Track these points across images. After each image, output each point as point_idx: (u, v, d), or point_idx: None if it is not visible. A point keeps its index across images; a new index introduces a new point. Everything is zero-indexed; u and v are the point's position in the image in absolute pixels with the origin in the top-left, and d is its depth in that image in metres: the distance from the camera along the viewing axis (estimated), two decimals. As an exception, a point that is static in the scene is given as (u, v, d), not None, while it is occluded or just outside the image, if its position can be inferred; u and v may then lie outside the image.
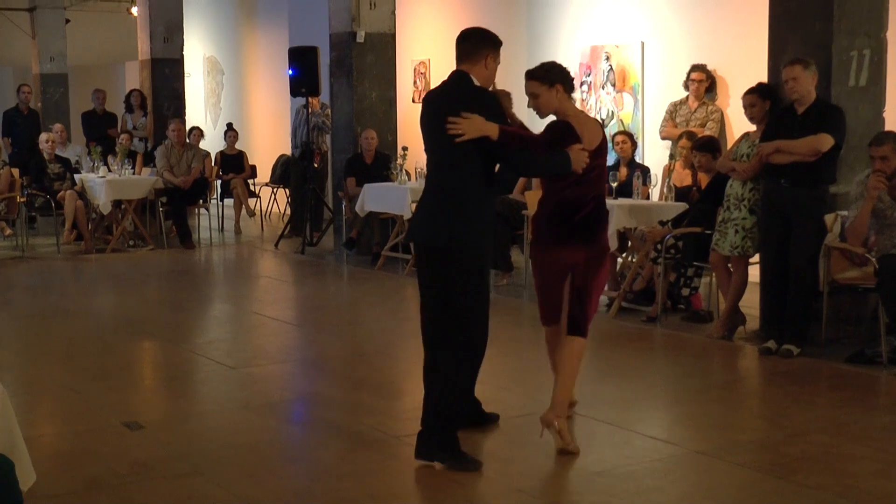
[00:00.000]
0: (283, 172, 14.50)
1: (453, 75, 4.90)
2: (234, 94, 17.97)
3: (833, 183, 6.82)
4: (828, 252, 6.71)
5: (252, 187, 14.66)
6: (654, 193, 9.25)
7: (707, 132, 9.27)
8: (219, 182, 14.27)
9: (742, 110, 7.37)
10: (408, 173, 10.87)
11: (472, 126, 4.64)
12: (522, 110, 5.67)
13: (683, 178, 9.14)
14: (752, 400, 6.22)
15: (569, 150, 4.89)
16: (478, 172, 4.72)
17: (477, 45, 4.89)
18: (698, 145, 8.22)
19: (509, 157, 4.81)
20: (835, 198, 6.87)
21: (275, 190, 15.11)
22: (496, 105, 4.84)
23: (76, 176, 12.56)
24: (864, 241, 6.55)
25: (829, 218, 6.81)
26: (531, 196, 8.60)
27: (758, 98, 7.04)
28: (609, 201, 8.20)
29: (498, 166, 4.84)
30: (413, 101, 13.58)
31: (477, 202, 4.74)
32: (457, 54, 4.94)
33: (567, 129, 4.98)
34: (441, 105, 4.79)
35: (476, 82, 4.84)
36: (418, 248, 4.93)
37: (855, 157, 6.87)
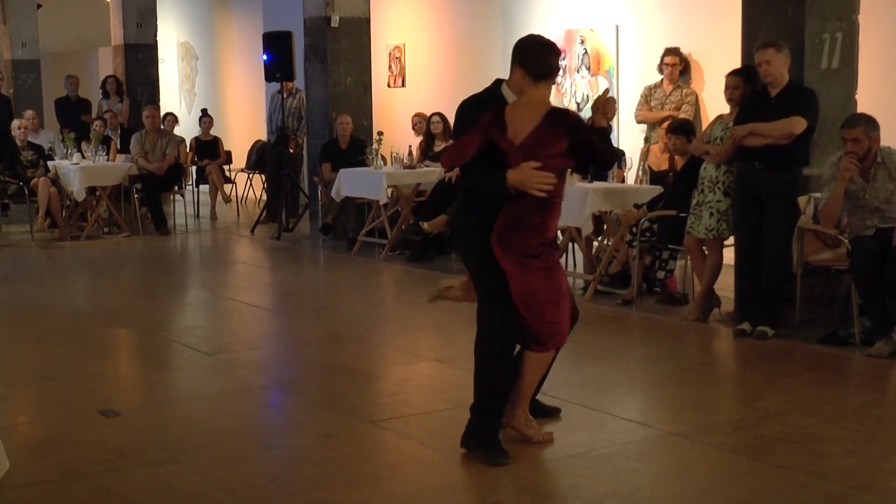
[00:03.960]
0: (259, 158, 14.46)
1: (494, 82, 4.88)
2: (208, 80, 17.87)
3: (806, 165, 6.86)
4: (801, 234, 6.76)
5: (227, 173, 14.61)
6: (630, 177, 9.28)
7: (682, 115, 9.30)
8: (194, 168, 14.21)
9: (716, 93, 7.40)
10: (383, 158, 10.87)
11: None
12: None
13: (661, 162, 9.19)
14: (726, 381, 6.26)
15: (519, 168, 4.46)
16: None
17: (514, 53, 4.76)
18: (672, 128, 8.24)
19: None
20: (808, 180, 6.90)
21: (250, 176, 15.07)
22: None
23: (49, 163, 12.49)
24: (837, 222, 6.59)
25: (802, 200, 6.85)
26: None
27: (742, 81, 7.03)
28: (584, 185, 8.26)
29: None
30: (388, 85, 13.55)
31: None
32: None
33: (490, 120, 4.58)
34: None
35: (508, 90, 4.74)
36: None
37: (828, 140, 6.91)
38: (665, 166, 8.81)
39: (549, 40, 4.72)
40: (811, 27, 6.84)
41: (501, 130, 4.56)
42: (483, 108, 4.71)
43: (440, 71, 12.73)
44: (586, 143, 4.57)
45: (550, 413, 5.20)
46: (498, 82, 4.84)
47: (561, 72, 10.88)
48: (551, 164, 4.49)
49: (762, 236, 6.82)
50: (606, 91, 5.40)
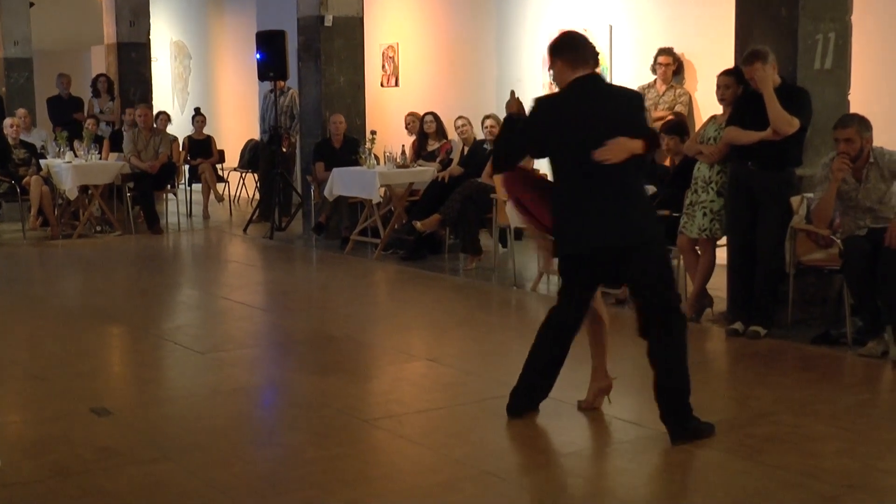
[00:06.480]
0: (252, 157, 14.45)
1: (589, 80, 4.88)
2: (201, 79, 17.85)
3: (799, 165, 6.87)
4: (794, 234, 6.77)
5: (220, 172, 14.59)
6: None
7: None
8: (187, 167, 14.19)
9: (709, 93, 7.38)
10: (376, 157, 10.86)
11: (620, 149, 4.74)
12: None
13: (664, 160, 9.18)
14: (719, 381, 6.26)
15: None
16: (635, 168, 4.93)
17: (584, 50, 4.95)
18: (666, 128, 8.24)
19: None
20: (801, 180, 6.91)
21: (243, 175, 15.05)
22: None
23: (42, 161, 12.46)
24: (830, 223, 6.61)
25: (794, 200, 6.86)
26: (499, 179, 8.60)
27: (734, 81, 7.04)
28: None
29: None
30: (382, 85, 13.55)
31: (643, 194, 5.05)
32: (574, 62, 4.87)
33: None
34: (606, 107, 4.86)
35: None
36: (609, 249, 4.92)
37: (821, 140, 6.91)
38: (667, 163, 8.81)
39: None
40: (804, 28, 6.85)
41: None
42: None
43: (434, 71, 12.73)
44: None
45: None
46: (597, 77, 5.00)
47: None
48: None
49: (755, 236, 6.83)
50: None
